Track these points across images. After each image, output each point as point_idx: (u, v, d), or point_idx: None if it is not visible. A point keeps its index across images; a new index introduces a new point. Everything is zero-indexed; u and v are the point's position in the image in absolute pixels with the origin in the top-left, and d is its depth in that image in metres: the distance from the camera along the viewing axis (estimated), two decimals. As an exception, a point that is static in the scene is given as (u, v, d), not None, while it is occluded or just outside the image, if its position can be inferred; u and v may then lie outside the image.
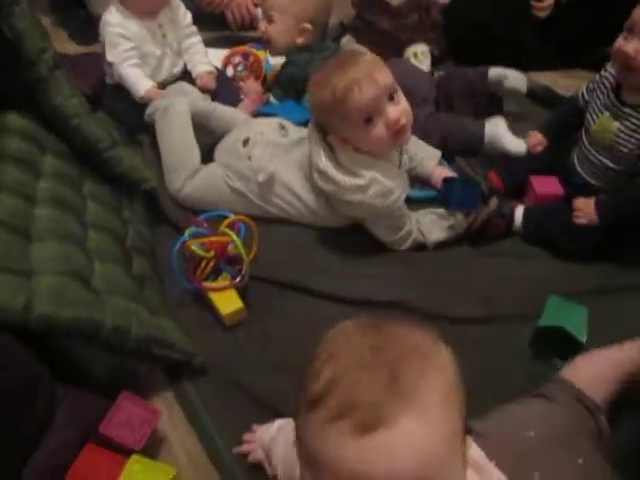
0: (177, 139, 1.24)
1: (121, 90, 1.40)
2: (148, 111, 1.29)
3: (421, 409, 0.43)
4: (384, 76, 1.04)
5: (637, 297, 1.11)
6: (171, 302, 1.04)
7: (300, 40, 1.48)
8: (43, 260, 0.83)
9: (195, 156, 1.25)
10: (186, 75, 1.51)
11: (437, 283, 1.12)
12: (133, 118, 1.36)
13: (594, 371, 0.84)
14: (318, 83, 1.06)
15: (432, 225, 1.18)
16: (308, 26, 1.44)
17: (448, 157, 1.39)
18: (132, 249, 1.04)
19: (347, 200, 1.09)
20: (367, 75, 1.02)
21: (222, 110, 1.35)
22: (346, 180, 1.07)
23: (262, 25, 1.51)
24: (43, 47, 1.04)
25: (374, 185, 1.07)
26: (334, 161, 1.08)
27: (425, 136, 1.37)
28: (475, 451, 0.62)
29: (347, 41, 1.80)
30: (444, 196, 1.21)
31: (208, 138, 1.35)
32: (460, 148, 1.41)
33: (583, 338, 0.98)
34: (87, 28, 1.77)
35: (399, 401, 0.42)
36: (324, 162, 1.08)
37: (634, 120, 1.12)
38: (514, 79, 1.48)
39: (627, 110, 1.13)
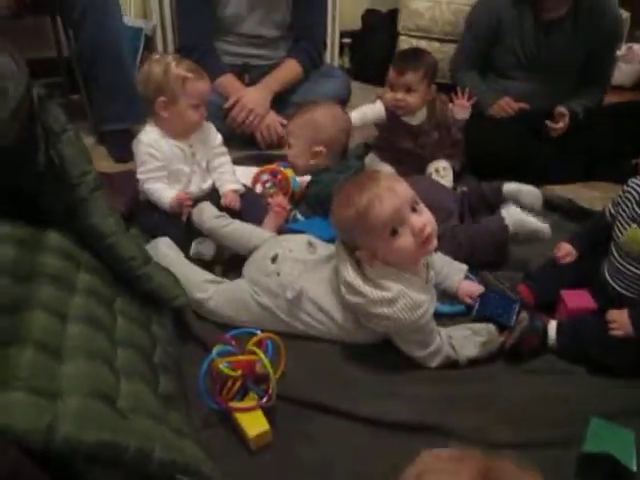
0: (177, 270, 1.25)
1: (153, 206, 1.46)
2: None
3: None
4: (403, 188, 1.08)
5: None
6: (196, 422, 1.01)
7: (314, 162, 1.55)
8: (71, 379, 0.81)
9: (205, 274, 1.29)
10: (214, 192, 1.58)
11: (471, 404, 1.07)
12: (166, 233, 1.41)
13: None
14: (340, 203, 1.10)
15: (465, 340, 1.16)
16: (320, 149, 1.52)
17: (476, 271, 1.40)
18: (159, 367, 1.02)
19: (375, 313, 1.08)
20: (387, 188, 1.06)
21: (234, 227, 1.40)
22: (374, 293, 1.07)
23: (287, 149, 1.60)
24: (86, 170, 1.10)
25: (401, 298, 1.07)
26: (361, 274, 1.09)
27: (453, 251, 1.38)
28: None
29: (371, 159, 1.88)
30: (479, 309, 1.22)
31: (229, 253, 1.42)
32: (489, 251, 1.41)
33: (633, 466, 0.91)
34: (125, 147, 1.89)
35: None
36: (351, 274, 1.09)
37: None
38: (528, 194, 1.51)
39: None
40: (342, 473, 0.94)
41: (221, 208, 1.50)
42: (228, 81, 2.10)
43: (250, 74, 2.23)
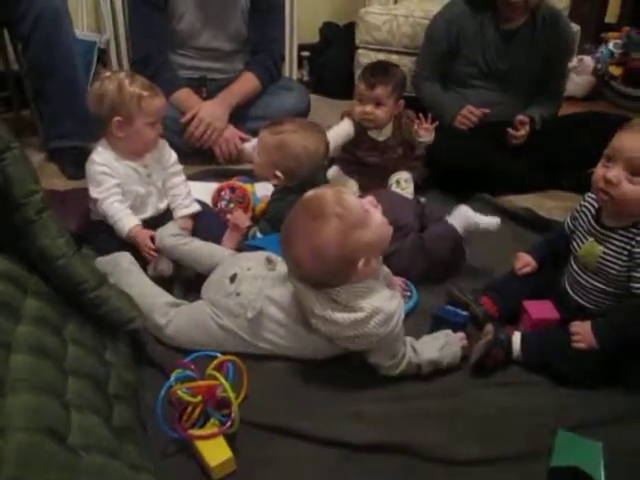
0: (137, 289, 1.22)
1: (106, 226, 1.40)
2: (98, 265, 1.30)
3: None
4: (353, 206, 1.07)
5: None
6: (155, 453, 0.96)
7: (273, 182, 1.52)
8: (15, 414, 0.76)
9: (164, 295, 1.25)
10: (169, 211, 1.53)
11: (436, 420, 1.05)
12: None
13: None
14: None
15: (425, 345, 1.16)
16: (279, 174, 1.49)
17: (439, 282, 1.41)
18: (114, 396, 0.97)
19: (351, 336, 1.06)
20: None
21: (194, 245, 1.36)
22: (347, 318, 1.05)
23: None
24: (32, 190, 1.04)
25: (375, 315, 1.05)
26: (329, 303, 1.06)
27: (413, 263, 1.39)
28: None
29: (335, 172, 1.87)
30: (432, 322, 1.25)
31: (189, 271, 1.38)
32: (446, 254, 1.43)
33: (601, 477, 0.91)
34: (79, 165, 1.83)
35: None
36: (319, 307, 1.06)
37: (616, 242, 1.13)
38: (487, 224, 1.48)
39: (609, 233, 1.15)
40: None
41: None
42: (185, 95, 2.07)
43: (207, 88, 2.19)
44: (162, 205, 1.52)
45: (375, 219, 1.08)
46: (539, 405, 1.10)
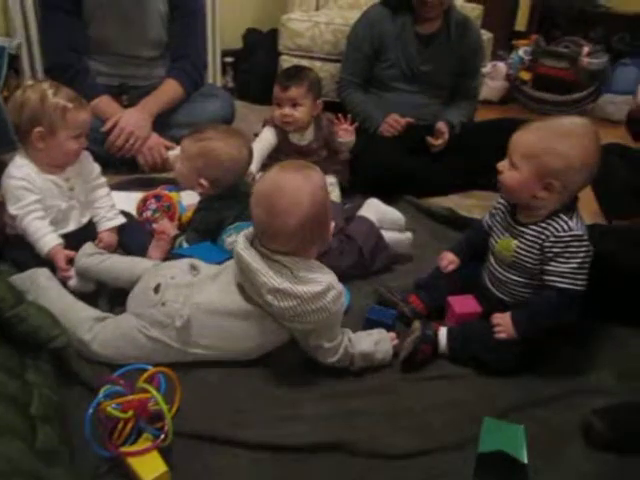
0: (58, 306, 1.18)
1: (23, 242, 1.34)
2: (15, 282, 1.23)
3: None
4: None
5: (569, 406, 1.13)
6: (85, 474, 0.92)
7: (198, 190, 1.51)
8: None
9: (88, 310, 1.21)
10: (92, 224, 1.49)
11: (369, 417, 1.08)
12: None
13: None
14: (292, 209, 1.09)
15: (360, 338, 1.20)
16: (204, 182, 1.47)
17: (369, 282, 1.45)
18: (37, 418, 0.92)
19: (309, 310, 1.07)
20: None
21: (112, 261, 1.33)
22: (307, 290, 1.06)
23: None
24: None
25: (331, 289, 1.09)
26: (289, 276, 1.08)
27: (341, 262, 1.42)
28: None
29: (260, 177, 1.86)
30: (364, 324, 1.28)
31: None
32: (371, 245, 1.49)
33: (524, 458, 0.96)
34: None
35: None
36: (278, 280, 1.07)
37: (529, 237, 1.20)
38: (391, 215, 1.59)
39: (522, 229, 1.22)
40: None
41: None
42: (105, 103, 2.00)
43: (128, 95, 2.14)
44: (84, 219, 1.47)
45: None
46: (466, 395, 1.15)
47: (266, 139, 1.84)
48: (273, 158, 1.87)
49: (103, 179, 1.51)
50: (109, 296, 1.33)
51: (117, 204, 1.54)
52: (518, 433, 1.01)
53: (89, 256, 1.33)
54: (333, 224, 1.17)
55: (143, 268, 1.27)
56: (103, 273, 1.32)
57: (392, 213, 1.59)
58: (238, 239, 1.15)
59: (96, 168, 1.49)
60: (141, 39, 2.10)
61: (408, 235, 1.59)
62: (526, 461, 0.96)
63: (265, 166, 1.88)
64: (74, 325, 1.15)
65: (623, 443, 1.03)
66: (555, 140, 1.14)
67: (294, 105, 1.79)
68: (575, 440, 1.05)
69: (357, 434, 1.03)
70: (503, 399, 1.14)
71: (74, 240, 1.37)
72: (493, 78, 3.39)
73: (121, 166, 1.98)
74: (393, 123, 2.08)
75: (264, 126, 1.88)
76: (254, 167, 1.70)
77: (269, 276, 1.08)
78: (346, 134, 1.84)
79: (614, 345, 1.32)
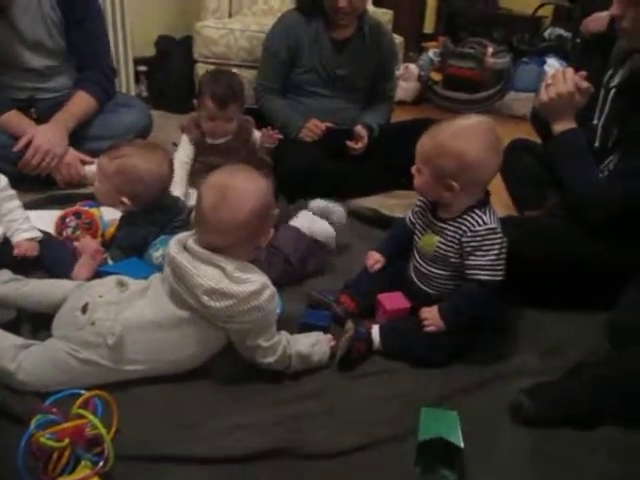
0: None
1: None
2: None
3: None
4: None
5: (497, 389, 1.20)
6: None
7: (119, 208, 1.49)
8: None
9: (10, 338, 1.15)
10: (4, 244, 1.41)
11: (315, 418, 1.10)
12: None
13: None
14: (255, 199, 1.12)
15: (297, 339, 1.22)
16: (125, 200, 1.45)
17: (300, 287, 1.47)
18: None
19: (245, 309, 1.08)
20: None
21: (32, 287, 1.28)
22: (243, 289, 1.07)
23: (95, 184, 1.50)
24: None
25: (266, 289, 1.11)
26: (224, 276, 1.08)
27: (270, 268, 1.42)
28: None
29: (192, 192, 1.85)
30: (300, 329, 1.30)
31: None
32: (302, 251, 1.52)
33: (460, 443, 1.01)
34: None
35: None
36: (215, 279, 1.07)
37: (449, 232, 1.27)
38: (336, 211, 1.63)
39: (441, 224, 1.29)
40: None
41: (16, 260, 1.35)
42: (15, 118, 1.91)
43: (37, 108, 2.04)
44: None
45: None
46: (402, 388, 1.20)
47: (186, 149, 1.87)
48: (200, 162, 1.89)
49: (12, 191, 1.44)
50: (31, 321, 1.27)
51: (35, 224, 1.47)
52: (453, 419, 1.06)
53: (4, 283, 1.27)
54: (271, 232, 1.19)
55: (66, 290, 1.23)
56: (22, 299, 1.26)
57: (323, 228, 1.59)
58: (170, 244, 1.15)
59: (2, 180, 1.42)
60: (38, 50, 1.99)
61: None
62: (462, 445, 1.01)
63: (196, 180, 1.89)
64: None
65: (550, 417, 1.10)
66: (447, 141, 1.20)
67: (228, 121, 1.84)
68: (505, 422, 1.12)
69: (304, 437, 1.05)
70: (436, 389, 1.19)
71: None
72: (406, 79, 3.52)
73: (33, 183, 1.89)
74: (313, 127, 2.11)
75: (183, 132, 1.89)
76: (179, 191, 1.71)
77: (205, 277, 1.08)
78: (269, 139, 1.89)
79: (534, 329, 1.41)
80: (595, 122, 1.52)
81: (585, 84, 1.41)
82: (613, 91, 1.49)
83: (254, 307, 1.09)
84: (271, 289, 1.12)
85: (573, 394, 1.12)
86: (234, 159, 1.85)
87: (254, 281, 1.10)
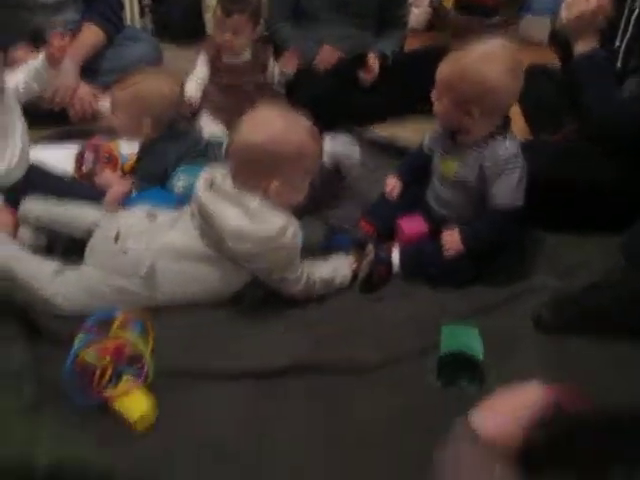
0: (14, 263, 1.15)
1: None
2: None
3: None
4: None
5: (518, 307, 1.22)
6: (72, 426, 0.93)
7: (141, 134, 1.50)
8: None
9: (45, 264, 1.18)
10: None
11: (338, 339, 1.14)
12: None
13: (497, 417, 0.83)
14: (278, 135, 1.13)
15: (319, 266, 1.25)
16: (146, 125, 1.48)
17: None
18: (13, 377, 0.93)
19: (272, 248, 1.11)
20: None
21: (65, 208, 1.31)
22: (263, 233, 1.10)
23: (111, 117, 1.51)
24: None
25: (290, 226, 1.13)
26: (246, 215, 1.11)
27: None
28: None
29: (204, 120, 1.87)
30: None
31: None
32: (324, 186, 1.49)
33: (480, 356, 1.06)
34: None
35: None
36: (237, 220, 1.10)
37: (469, 158, 1.27)
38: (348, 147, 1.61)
39: (461, 150, 1.28)
40: (232, 438, 0.95)
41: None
42: (23, 54, 1.87)
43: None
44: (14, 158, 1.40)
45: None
46: (423, 310, 1.23)
47: (201, 72, 1.89)
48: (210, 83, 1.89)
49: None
50: (62, 248, 1.31)
51: (51, 162, 1.49)
52: (473, 334, 1.10)
53: (41, 204, 1.31)
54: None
55: (95, 216, 1.26)
56: (56, 219, 1.29)
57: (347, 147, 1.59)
58: (198, 183, 1.16)
59: None
60: None
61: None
62: (482, 357, 1.05)
63: (206, 107, 1.88)
64: (33, 281, 1.13)
65: (568, 329, 1.13)
66: (467, 67, 1.18)
67: (235, 32, 1.81)
68: (525, 337, 1.15)
69: (328, 355, 1.10)
70: (457, 310, 1.21)
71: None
72: (418, 6, 3.39)
73: (47, 120, 1.89)
74: (327, 55, 2.07)
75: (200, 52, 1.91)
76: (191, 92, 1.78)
77: (227, 218, 1.10)
78: (289, 64, 1.90)
79: (551, 252, 1.42)
80: (617, 44, 1.49)
81: (607, 2, 1.37)
82: (637, 11, 1.45)
83: (278, 247, 1.11)
84: (294, 227, 1.13)
85: (592, 306, 1.15)
86: (249, 83, 1.87)
87: (276, 220, 1.11)
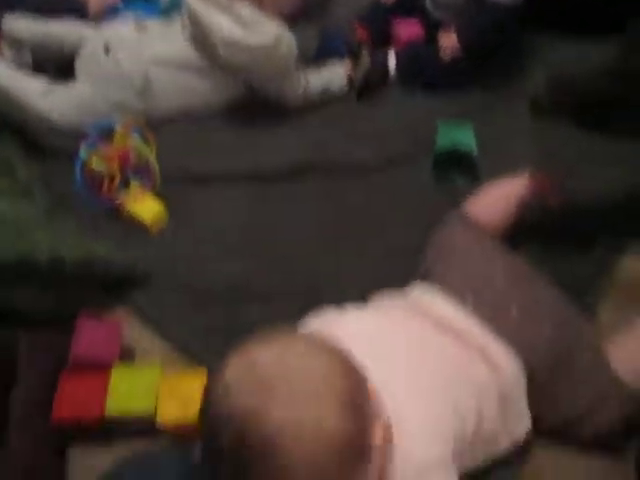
0: (15, 86, 1.13)
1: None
2: None
3: None
4: None
5: (512, 108, 1.23)
6: (90, 230, 0.97)
7: None
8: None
9: (34, 81, 1.16)
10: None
11: (334, 140, 1.17)
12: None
13: (487, 204, 0.91)
14: None
15: (315, 74, 1.24)
16: None
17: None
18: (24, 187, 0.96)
19: (269, 57, 1.10)
20: None
21: (50, 25, 1.24)
22: (257, 43, 1.08)
23: None
24: None
25: (282, 40, 1.11)
26: (239, 24, 1.08)
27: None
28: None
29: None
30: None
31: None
32: None
33: (473, 148, 1.09)
34: None
35: None
36: (231, 30, 1.07)
37: None
38: None
39: None
40: (235, 234, 1.01)
41: None
42: None
43: None
44: None
45: None
46: (420, 113, 1.23)
47: None
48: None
49: None
50: (54, 68, 1.26)
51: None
52: (468, 129, 1.12)
53: (18, 22, 1.24)
54: None
55: (82, 32, 1.21)
56: (44, 38, 1.24)
57: None
58: None
59: None
60: None
61: None
62: (475, 151, 1.08)
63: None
64: (25, 99, 1.12)
65: (563, 107, 1.14)
66: None
67: None
68: (520, 133, 1.16)
69: (325, 155, 1.13)
70: (454, 109, 1.22)
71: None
72: None
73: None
74: None
75: None
76: None
77: (220, 29, 1.06)
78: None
79: (543, 51, 1.37)
80: None
81: None
82: None
83: (274, 56, 1.10)
84: (287, 37, 1.11)
85: (590, 88, 1.13)
86: None
87: (270, 30, 1.08)
